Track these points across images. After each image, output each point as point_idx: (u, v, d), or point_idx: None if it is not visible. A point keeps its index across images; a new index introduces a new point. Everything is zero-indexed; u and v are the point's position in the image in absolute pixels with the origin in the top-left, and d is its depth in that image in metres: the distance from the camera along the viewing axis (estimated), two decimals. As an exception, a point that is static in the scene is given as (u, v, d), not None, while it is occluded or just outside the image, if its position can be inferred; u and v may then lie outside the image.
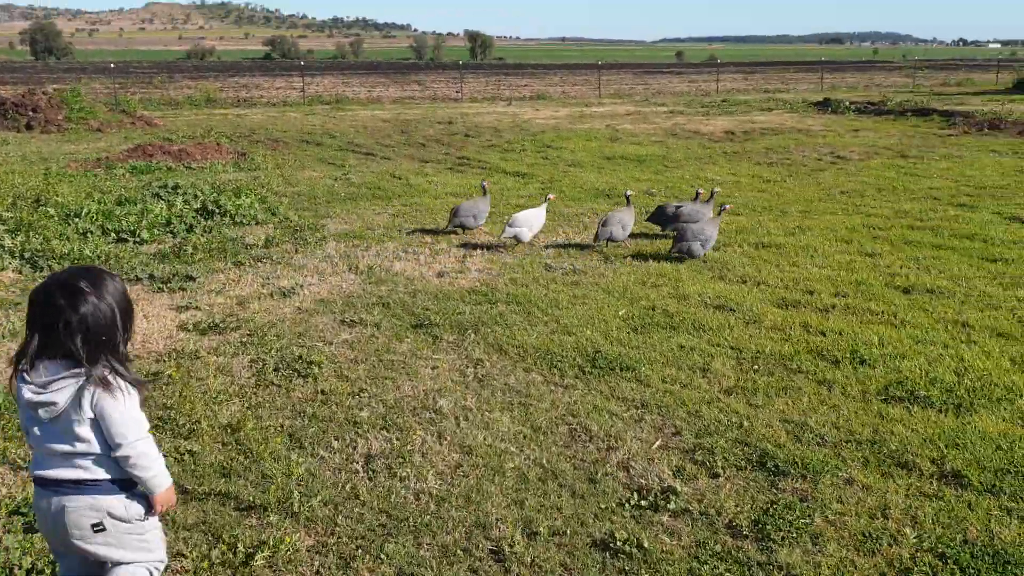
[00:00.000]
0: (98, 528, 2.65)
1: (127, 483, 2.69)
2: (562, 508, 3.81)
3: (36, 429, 2.61)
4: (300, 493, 3.90)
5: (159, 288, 7.18)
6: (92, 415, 2.56)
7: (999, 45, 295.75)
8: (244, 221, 9.81)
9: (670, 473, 4.11)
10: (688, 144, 17.74)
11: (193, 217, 9.70)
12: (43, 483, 2.64)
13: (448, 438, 4.49)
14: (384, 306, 6.71)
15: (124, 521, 2.70)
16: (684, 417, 4.69)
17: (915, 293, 7.00)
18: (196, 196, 10.47)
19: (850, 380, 5.17)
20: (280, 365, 5.43)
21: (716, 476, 4.07)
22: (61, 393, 2.55)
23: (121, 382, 2.59)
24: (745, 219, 10.04)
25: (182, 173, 13.42)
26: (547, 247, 8.74)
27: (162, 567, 2.91)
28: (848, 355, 5.56)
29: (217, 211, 9.94)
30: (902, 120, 21.90)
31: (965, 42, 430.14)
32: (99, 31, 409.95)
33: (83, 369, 2.54)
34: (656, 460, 4.23)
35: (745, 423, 4.59)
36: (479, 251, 8.53)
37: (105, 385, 2.54)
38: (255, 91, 37.03)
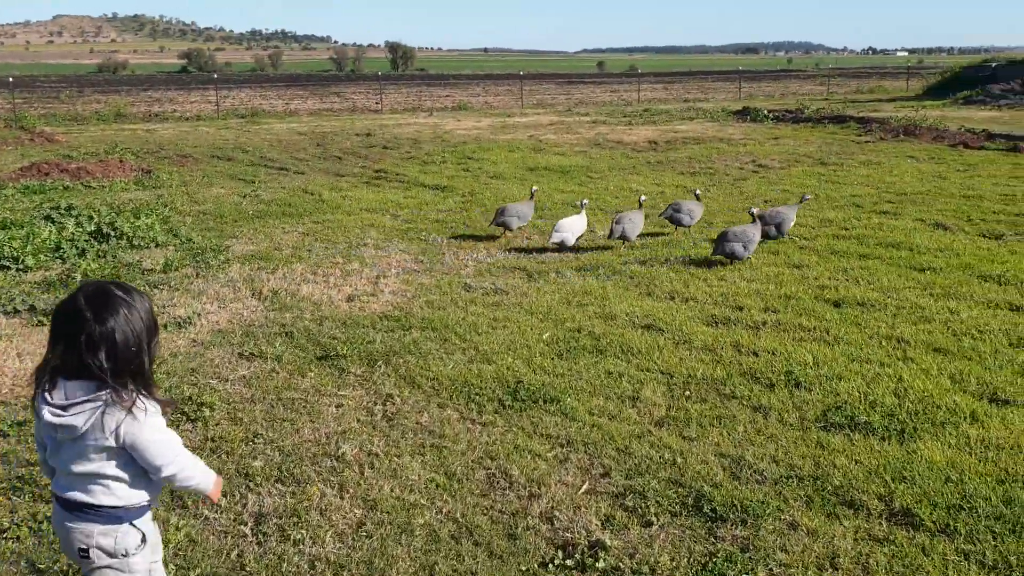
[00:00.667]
0: (84, 555, 2.55)
1: (133, 511, 2.57)
2: (477, 573, 3.36)
3: (52, 448, 2.51)
4: (176, 567, 3.37)
5: (40, 322, 6.50)
6: (115, 442, 2.43)
7: (907, 53, 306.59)
8: (143, 244, 9.13)
9: (598, 523, 3.69)
10: (612, 154, 17.51)
11: (86, 241, 8.99)
12: (59, 501, 2.56)
13: (351, 490, 4.00)
14: (287, 336, 6.18)
15: (109, 555, 2.57)
16: (613, 455, 4.29)
17: (846, 306, 6.76)
18: (91, 218, 9.75)
19: (786, 406, 4.85)
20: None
21: (649, 525, 3.67)
22: (81, 416, 2.40)
23: (147, 403, 2.46)
24: (671, 232, 9.75)
25: (79, 192, 12.61)
26: (467, 265, 8.30)
27: None
28: (783, 377, 5.24)
29: (113, 234, 9.24)
30: (820, 128, 22.09)
31: (874, 51, 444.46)
32: (3, 44, 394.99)
33: (106, 392, 2.39)
34: (583, 508, 3.81)
35: (679, 459, 4.21)
36: (394, 271, 8.04)
37: (129, 411, 2.41)
38: (168, 105, 35.74)
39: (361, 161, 16.55)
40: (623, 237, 8.83)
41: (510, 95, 42.57)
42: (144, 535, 2.61)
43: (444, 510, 3.82)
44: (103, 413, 2.39)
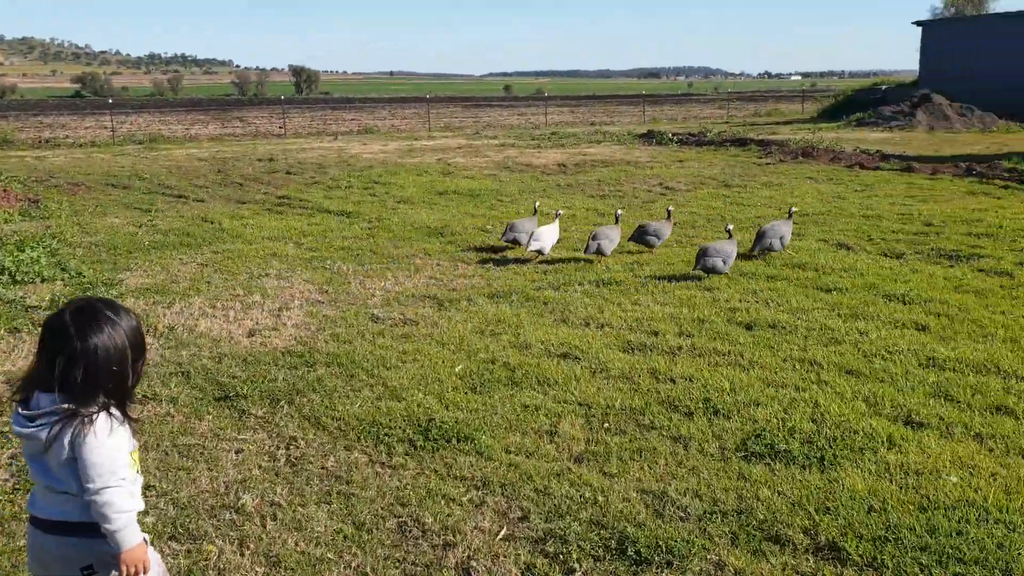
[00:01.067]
0: (89, 571, 2.49)
1: None
2: (390, 636, 3.11)
3: (29, 462, 2.51)
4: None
5: (-96, 367, 5.96)
6: (70, 452, 2.39)
7: (800, 77, 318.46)
8: (26, 279, 8.55)
9: (518, 573, 3.48)
10: (522, 177, 17.46)
11: (-40, 277, 8.38)
12: (32, 521, 2.53)
13: (252, 546, 3.69)
14: (184, 375, 5.80)
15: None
16: (532, 496, 4.09)
17: (757, 329, 6.75)
18: (-34, 252, 9.11)
19: (706, 435, 4.74)
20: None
21: (572, 572, 3.48)
22: (44, 430, 2.40)
23: (112, 422, 2.43)
24: (583, 256, 9.67)
25: (-43, 224, 11.84)
26: (374, 295, 8.02)
27: None
28: (701, 404, 5.15)
29: (-7, 268, 8.65)
30: (722, 150, 22.54)
31: (770, 75, 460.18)
32: None
33: (69, 407, 2.39)
34: (502, 556, 3.60)
35: (600, 498, 4.04)
36: (297, 303, 7.70)
37: (85, 423, 2.39)
38: (60, 131, 34.25)
39: (264, 187, 16.06)
40: (599, 252, 9.19)
41: (417, 118, 42.38)
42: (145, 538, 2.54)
43: (353, 564, 3.55)
44: (62, 426, 2.38)
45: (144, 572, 2.50)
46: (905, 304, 7.40)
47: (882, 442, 4.59)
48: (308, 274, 8.80)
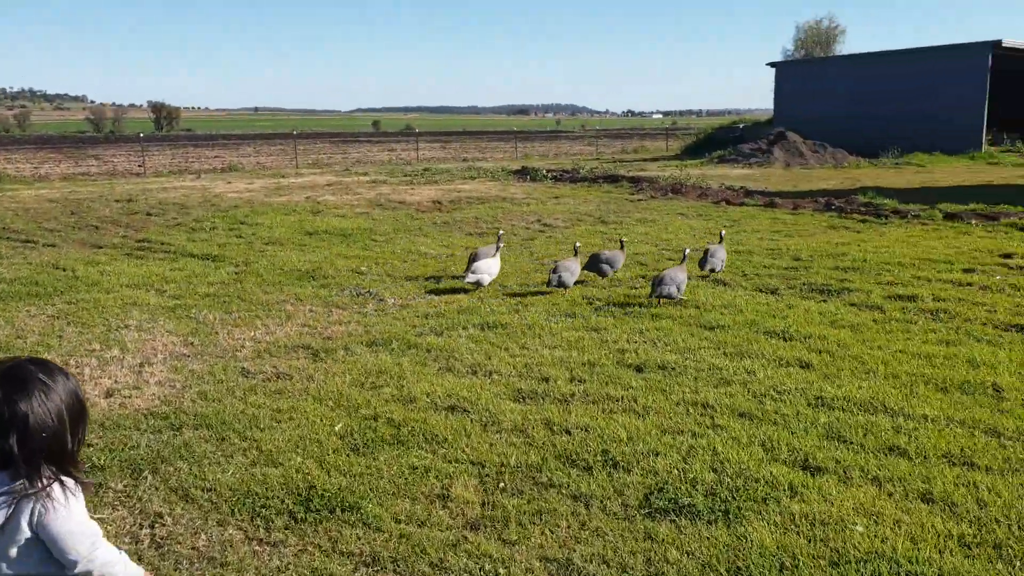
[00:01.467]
0: None
1: None
2: None
3: None
4: None
5: None
6: (31, 534, 2.27)
7: (661, 115, 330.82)
8: None
9: (418, 666, 3.14)
10: (396, 215, 17.11)
11: None
12: None
13: (107, 654, 3.20)
14: (28, 447, 5.17)
15: None
16: (427, 571, 3.75)
17: (648, 371, 6.63)
18: None
19: (607, 492, 4.52)
20: None
21: (477, 661, 3.17)
22: (2, 510, 2.25)
23: (66, 491, 2.30)
24: (466, 297, 9.41)
25: None
26: (244, 346, 7.51)
27: None
28: (599, 457, 4.93)
29: None
30: (595, 187, 22.85)
31: (633, 113, 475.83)
32: None
33: (20, 483, 2.25)
34: (398, 646, 3.24)
35: (501, 570, 3.74)
36: (160, 357, 7.11)
37: (45, 500, 2.26)
38: None
39: (122, 230, 15.11)
40: (561, 284, 9.42)
41: (284, 155, 41.40)
42: None
43: (228, 669, 3.12)
44: (17, 505, 2.25)
45: None
46: (786, 340, 7.46)
47: (784, 490, 4.48)
48: (172, 324, 8.20)
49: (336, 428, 5.49)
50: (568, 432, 5.35)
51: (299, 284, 10.26)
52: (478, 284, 9.65)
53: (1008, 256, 11.39)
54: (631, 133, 73.35)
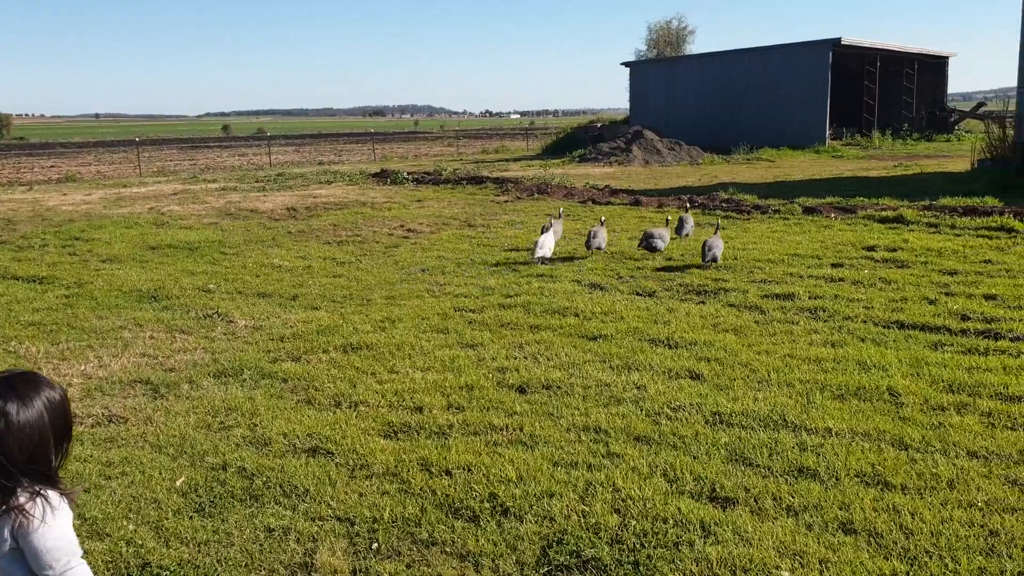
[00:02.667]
0: None
1: None
2: None
3: None
4: None
5: None
6: (13, 543, 2.28)
7: (519, 115, 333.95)
8: None
9: None
10: (247, 225, 15.99)
11: None
12: None
13: None
14: None
15: None
16: (288, 677, 3.04)
17: (532, 391, 6.07)
18: None
19: (499, 547, 3.90)
20: None
21: None
22: None
23: (48, 504, 2.28)
24: (326, 314, 8.61)
25: None
26: (71, 383, 6.50)
27: None
28: (487, 504, 4.31)
29: None
30: (460, 189, 22.23)
31: (491, 113, 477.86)
32: None
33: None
34: None
35: (380, 667, 3.07)
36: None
37: (24, 512, 2.25)
38: None
39: (-69, 250, 13.43)
40: (543, 260, 11.12)
41: (127, 163, 38.95)
42: None
43: None
44: (1, 517, 2.27)
45: None
46: (672, 348, 7.06)
47: (696, 530, 3.99)
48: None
49: (177, 483, 4.66)
50: (449, 473, 4.70)
51: (139, 307, 9.20)
52: (542, 260, 11.08)
53: (871, 249, 11.49)
54: (491, 133, 73.31)
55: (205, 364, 6.98)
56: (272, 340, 7.66)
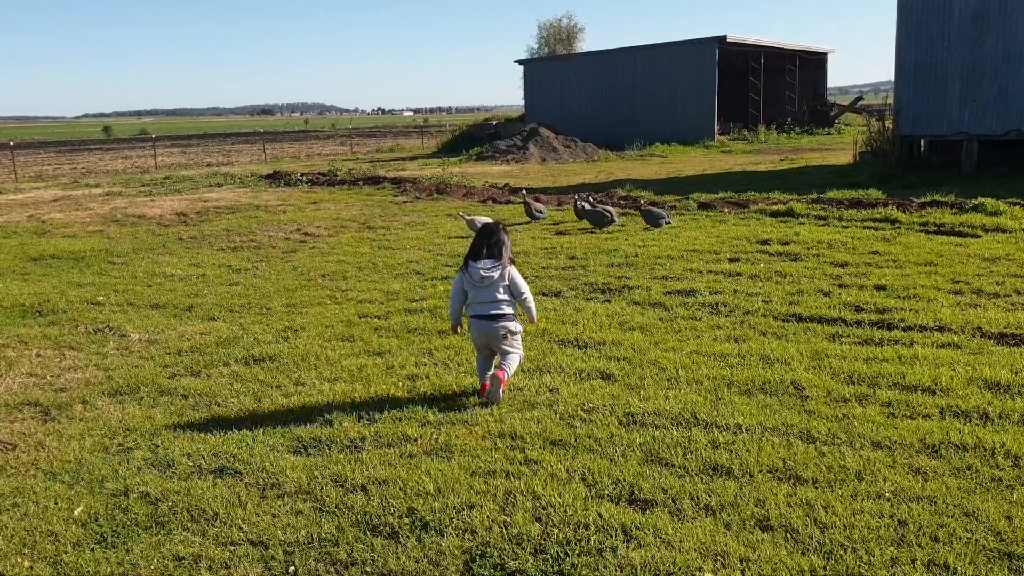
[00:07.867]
0: (504, 335, 5.82)
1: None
2: None
3: (477, 290, 5.84)
4: None
5: None
6: (507, 282, 5.83)
7: (411, 113, 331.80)
8: None
9: None
10: (135, 231, 15.36)
11: None
12: (476, 316, 5.89)
13: None
14: None
15: (513, 334, 5.89)
16: None
17: (444, 399, 5.98)
18: None
19: (421, 565, 3.81)
20: None
21: None
22: (497, 270, 5.81)
23: (514, 267, 6.05)
24: (224, 324, 8.32)
25: None
26: (-52, 410, 6.08)
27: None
28: (406, 519, 4.22)
29: None
30: (356, 189, 21.87)
31: (384, 111, 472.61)
32: None
33: (499, 261, 5.85)
34: None
35: None
36: None
37: (509, 267, 5.91)
38: None
39: None
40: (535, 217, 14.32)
41: (0, 168, 36.90)
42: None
43: None
44: (502, 269, 5.91)
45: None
46: (581, 349, 7.09)
47: (617, 535, 3.99)
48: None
49: (76, 513, 4.41)
50: (364, 489, 4.58)
51: (22, 323, 8.70)
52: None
53: (765, 243, 11.82)
54: (384, 131, 72.62)
55: (98, 382, 6.64)
56: (169, 354, 7.35)
